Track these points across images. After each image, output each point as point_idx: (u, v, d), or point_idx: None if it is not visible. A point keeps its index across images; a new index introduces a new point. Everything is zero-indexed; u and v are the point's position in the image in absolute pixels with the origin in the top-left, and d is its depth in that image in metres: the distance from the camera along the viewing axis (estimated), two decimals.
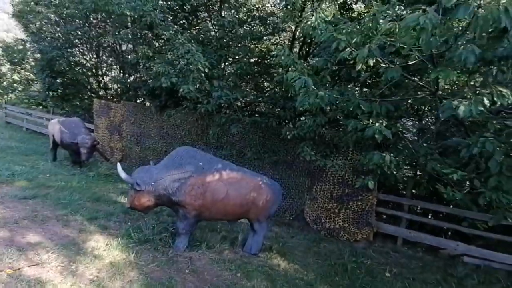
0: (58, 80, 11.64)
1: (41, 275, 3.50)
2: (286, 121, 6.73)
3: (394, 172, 3.44)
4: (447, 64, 2.84)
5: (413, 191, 6.06)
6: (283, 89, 7.22)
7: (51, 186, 6.54)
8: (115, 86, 12.37)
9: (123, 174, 4.30)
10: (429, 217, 6.35)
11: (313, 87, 3.11)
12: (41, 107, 14.55)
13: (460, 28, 2.87)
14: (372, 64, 2.89)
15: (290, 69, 3.13)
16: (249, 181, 4.48)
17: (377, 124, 3.07)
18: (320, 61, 3.44)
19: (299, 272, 4.35)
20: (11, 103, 15.12)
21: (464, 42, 2.65)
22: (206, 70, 5.27)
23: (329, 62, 3.48)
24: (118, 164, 4.39)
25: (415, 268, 5.20)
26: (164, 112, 8.43)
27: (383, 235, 6.10)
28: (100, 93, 12.41)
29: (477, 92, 2.65)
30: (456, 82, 4.12)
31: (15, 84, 14.02)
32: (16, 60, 12.82)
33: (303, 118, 5.09)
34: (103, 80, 12.34)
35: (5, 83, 13.81)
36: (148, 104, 9.85)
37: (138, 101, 10.52)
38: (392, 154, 3.11)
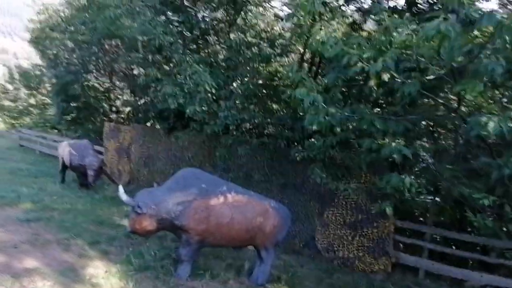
0: (72, 104, 11.90)
1: None
2: (295, 143, 6.54)
3: (415, 197, 3.13)
4: (472, 76, 2.60)
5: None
6: (291, 110, 7.10)
7: (56, 209, 6.41)
8: (127, 109, 12.56)
9: (124, 197, 4.12)
10: (452, 247, 5.86)
11: (322, 104, 2.93)
12: (55, 130, 14.84)
13: (482, 39, 2.68)
14: (386, 80, 2.70)
15: (298, 85, 2.98)
16: (256, 204, 4.23)
17: (393, 143, 2.82)
18: (330, 78, 3.27)
19: None
20: (27, 126, 15.51)
21: (488, 53, 2.44)
22: (213, 91, 5.20)
23: (340, 79, 3.30)
24: (120, 186, 4.23)
25: None
26: (172, 134, 8.38)
27: (402, 266, 5.64)
28: (112, 116, 12.58)
29: (506, 106, 2.41)
30: (475, 100, 3.86)
31: (30, 108, 14.40)
32: (32, 85, 13.24)
33: (312, 139, 4.89)
34: (115, 104, 12.54)
35: (21, 107, 14.20)
36: (157, 126, 9.87)
37: (148, 124, 10.57)
38: (412, 177, 2.84)
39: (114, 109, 12.81)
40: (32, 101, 14.76)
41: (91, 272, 4.15)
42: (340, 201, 5.99)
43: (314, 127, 3.27)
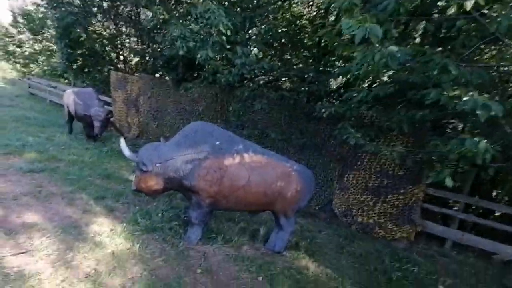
0: (77, 51, 11.19)
1: (27, 266, 2.98)
2: (318, 98, 5.85)
3: (487, 165, 2.50)
4: None
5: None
6: (314, 60, 6.29)
7: (62, 160, 6.11)
8: (135, 59, 11.81)
9: (126, 151, 3.67)
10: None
11: (380, 39, 2.18)
12: (63, 79, 14.31)
13: None
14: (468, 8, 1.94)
15: (346, 15, 2.26)
16: (276, 166, 3.72)
17: (475, 95, 2.15)
18: (390, 3, 2.45)
19: (332, 279, 3.63)
20: (38, 75, 15.00)
21: None
22: (229, 33, 4.45)
23: (402, 6, 2.47)
24: (122, 139, 3.76)
25: (468, 278, 4.35)
26: (181, 86, 7.75)
27: (427, 234, 5.24)
28: (119, 66, 11.88)
29: None
30: None
31: (36, 54, 13.77)
32: (35, 27, 12.45)
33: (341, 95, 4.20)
34: (122, 53, 11.77)
35: (26, 52, 13.55)
36: (166, 78, 9.22)
37: (157, 75, 9.90)
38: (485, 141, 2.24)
39: (121, 58, 12.06)
40: (36, 46, 14.06)
41: (95, 230, 3.87)
42: (364, 165, 5.46)
43: (358, 74, 2.58)
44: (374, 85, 5.12)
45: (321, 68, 6.26)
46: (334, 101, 6.37)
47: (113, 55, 11.94)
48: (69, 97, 7.97)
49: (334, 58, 6.25)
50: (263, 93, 6.16)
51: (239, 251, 3.83)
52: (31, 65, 14.16)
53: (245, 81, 6.19)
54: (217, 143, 3.66)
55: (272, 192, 3.66)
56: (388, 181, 5.28)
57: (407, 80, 3.05)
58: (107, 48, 11.77)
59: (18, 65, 14.86)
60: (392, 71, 3.44)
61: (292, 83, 7.18)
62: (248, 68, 4.84)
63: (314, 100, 6.09)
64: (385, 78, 3.38)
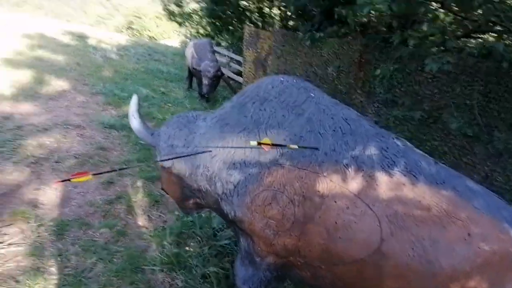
0: (220, 7, 10.50)
1: None
2: None
3: None
4: None
5: None
6: None
7: (155, 119, 5.21)
8: (274, 10, 10.23)
9: (134, 122, 1.98)
10: None
11: None
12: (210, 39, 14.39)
13: None
14: None
15: None
16: (477, 225, 1.21)
17: None
18: None
19: None
20: (192, 35, 15.80)
21: None
22: None
23: None
24: (134, 97, 2.06)
25: None
26: (315, 41, 5.62)
27: None
28: (256, 20, 10.60)
29: None
30: None
31: (191, 14, 14.17)
32: None
33: None
34: (261, 4, 10.38)
35: (186, 8, 14.08)
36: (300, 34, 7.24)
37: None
38: None
39: (264, 11, 10.70)
40: (193, 5, 14.43)
41: None
42: None
43: None
44: None
45: None
46: None
47: (253, 7, 10.70)
48: (189, 49, 7.11)
49: None
50: (446, 47, 3.28)
51: None
52: (186, 24, 14.75)
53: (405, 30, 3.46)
54: (321, 131, 1.45)
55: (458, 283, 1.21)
56: None
57: None
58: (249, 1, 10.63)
59: (177, 24, 15.78)
60: None
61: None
62: None
63: None
64: None
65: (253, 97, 1.64)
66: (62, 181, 1.15)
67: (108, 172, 1.60)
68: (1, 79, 4.61)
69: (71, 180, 1.10)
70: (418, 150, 1.48)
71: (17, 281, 1.93)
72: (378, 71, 4.20)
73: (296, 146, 1.41)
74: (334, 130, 1.46)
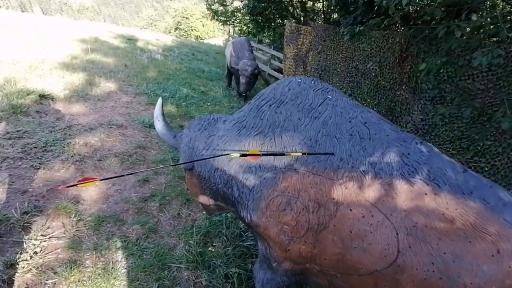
0: (262, 4, 10.47)
1: None
2: None
3: None
4: None
5: None
6: None
7: (194, 117, 5.36)
8: (316, 4, 9.93)
9: (158, 124, 2.03)
10: None
11: None
12: (253, 36, 14.47)
13: None
14: None
15: None
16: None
17: None
18: None
19: None
20: (236, 34, 16.04)
21: None
22: None
23: None
24: (160, 100, 2.10)
25: None
26: (354, 35, 5.34)
27: None
28: (298, 15, 10.38)
29: None
30: None
31: (234, 12, 14.38)
32: None
33: None
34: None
35: (229, 7, 14.34)
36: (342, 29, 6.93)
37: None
38: None
39: (306, 7, 10.45)
40: (236, 3, 14.63)
41: None
42: None
43: None
44: None
45: None
46: None
47: (296, 1, 10.49)
48: (228, 48, 7.20)
49: None
50: (498, 40, 2.89)
51: None
52: (229, 22, 15.00)
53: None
54: (336, 136, 1.37)
55: None
56: None
57: None
58: None
59: (221, 24, 16.09)
60: None
61: None
62: None
63: None
64: None
65: (269, 100, 1.58)
66: (68, 186, 1.22)
67: (115, 177, 1.66)
68: (57, 82, 5.07)
69: (77, 186, 1.15)
70: (445, 157, 1.31)
71: (55, 272, 2.10)
72: (423, 65, 3.85)
73: (294, 154, 1.38)
74: (351, 135, 1.35)
